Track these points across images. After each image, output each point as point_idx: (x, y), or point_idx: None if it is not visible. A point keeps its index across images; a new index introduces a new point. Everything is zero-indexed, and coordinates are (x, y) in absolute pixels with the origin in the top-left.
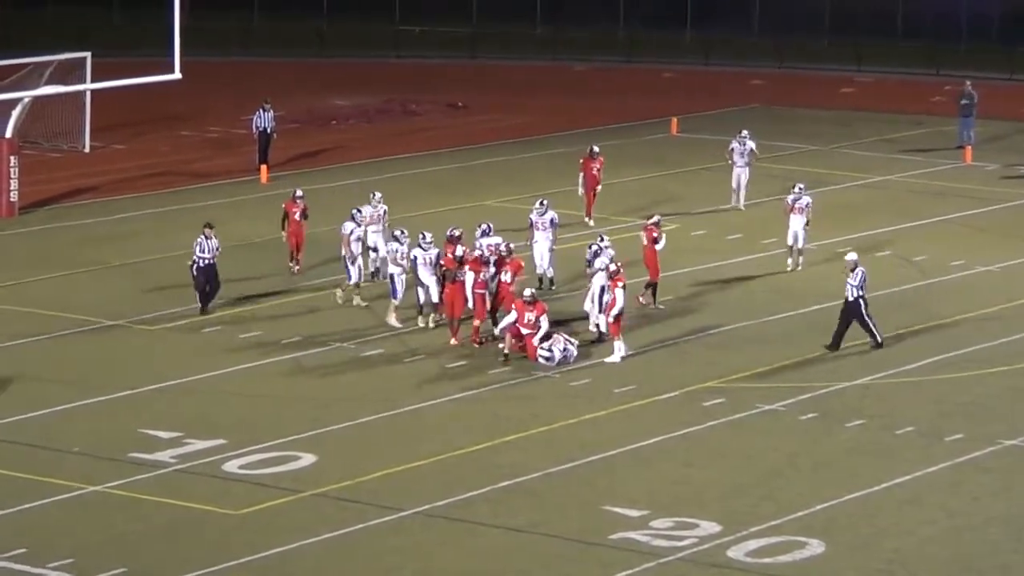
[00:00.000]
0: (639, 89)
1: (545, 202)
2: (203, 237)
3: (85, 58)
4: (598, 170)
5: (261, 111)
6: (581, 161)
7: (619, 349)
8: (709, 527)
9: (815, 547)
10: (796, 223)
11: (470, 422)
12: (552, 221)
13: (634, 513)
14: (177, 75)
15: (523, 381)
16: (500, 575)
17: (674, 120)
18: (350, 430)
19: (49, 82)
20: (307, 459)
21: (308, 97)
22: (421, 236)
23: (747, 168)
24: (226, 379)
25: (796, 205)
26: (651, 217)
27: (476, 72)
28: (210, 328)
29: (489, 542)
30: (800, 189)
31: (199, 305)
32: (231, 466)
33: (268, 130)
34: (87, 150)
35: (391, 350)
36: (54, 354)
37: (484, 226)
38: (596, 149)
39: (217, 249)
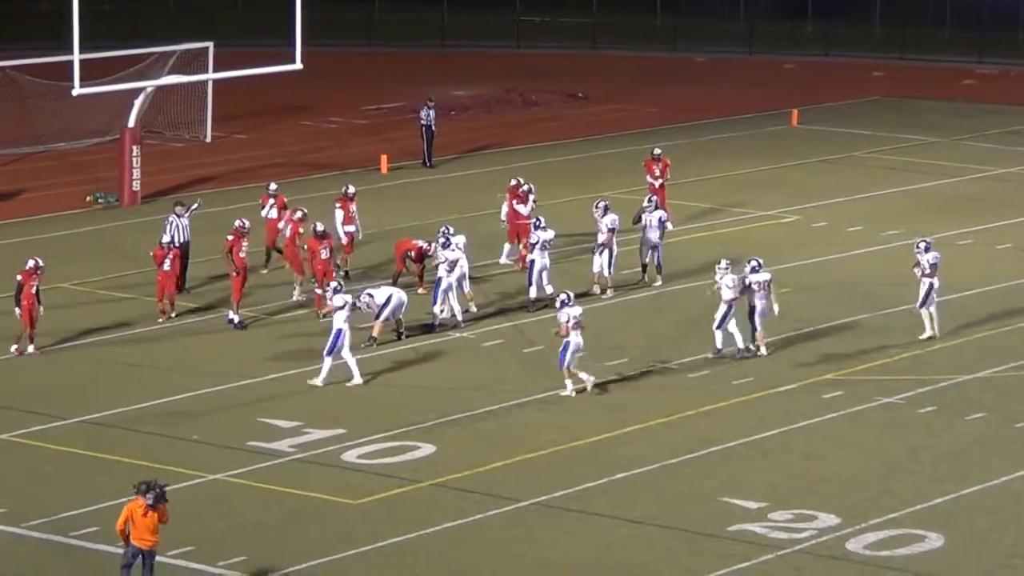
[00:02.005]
0: (759, 80)
1: (604, 204)
2: (175, 216)
3: (207, 48)
4: (661, 172)
5: (426, 107)
6: (644, 164)
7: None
8: (828, 519)
9: (934, 540)
10: (927, 282)
11: (589, 413)
12: (609, 226)
13: (753, 505)
14: (298, 65)
15: (643, 372)
16: (618, 567)
17: (794, 112)
18: (469, 420)
19: (171, 72)
20: (426, 449)
21: (428, 87)
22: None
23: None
24: (345, 368)
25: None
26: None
27: (596, 63)
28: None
29: (607, 534)
30: (926, 245)
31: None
32: (350, 456)
33: (432, 126)
34: (208, 140)
35: (510, 340)
36: (175, 343)
37: (536, 220)
38: (658, 151)
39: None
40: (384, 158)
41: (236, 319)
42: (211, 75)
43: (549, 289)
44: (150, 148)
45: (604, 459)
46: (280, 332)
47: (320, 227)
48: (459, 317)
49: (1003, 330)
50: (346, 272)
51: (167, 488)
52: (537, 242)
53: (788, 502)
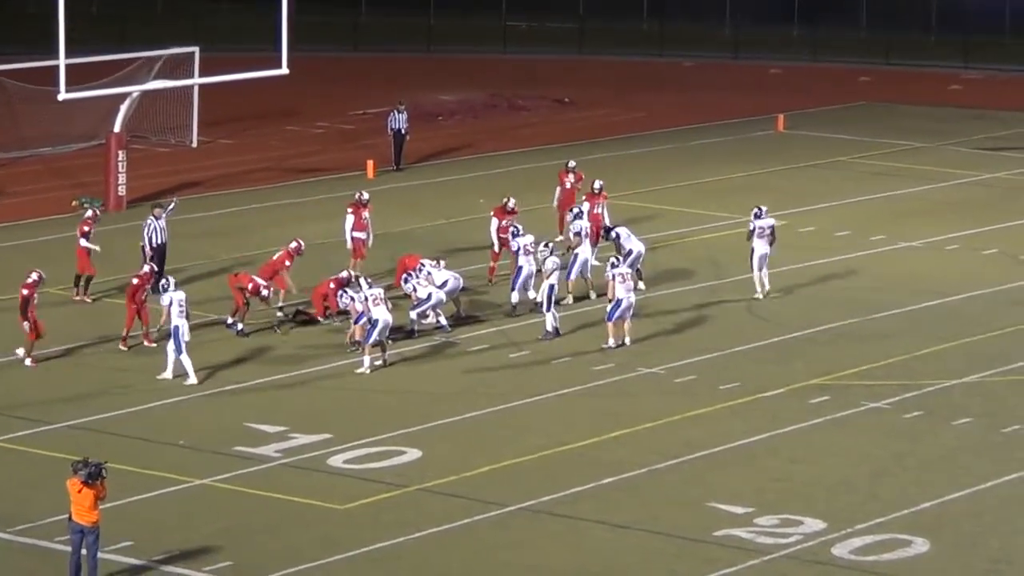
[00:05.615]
0: (745, 85)
1: (581, 210)
2: (152, 218)
3: (193, 53)
4: (572, 184)
5: (395, 112)
6: (559, 174)
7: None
8: (814, 524)
9: (920, 545)
10: (761, 247)
11: (575, 418)
12: (584, 230)
13: (739, 510)
14: (285, 70)
15: (628, 377)
16: (604, 571)
17: (780, 117)
18: (455, 425)
19: (157, 77)
20: (412, 454)
21: (414, 92)
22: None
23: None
24: (332, 374)
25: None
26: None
27: (583, 68)
28: (318, 324)
29: (593, 538)
30: (758, 212)
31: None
32: (336, 461)
33: (402, 131)
34: (195, 145)
35: (496, 346)
36: (160, 348)
37: (513, 228)
38: (572, 164)
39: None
40: (371, 163)
41: (240, 326)
42: (197, 80)
43: (532, 294)
44: (136, 153)
45: (590, 464)
46: (266, 338)
47: (346, 274)
48: (443, 321)
49: (990, 335)
50: (357, 277)
51: (106, 465)
52: (518, 249)
53: (774, 507)
